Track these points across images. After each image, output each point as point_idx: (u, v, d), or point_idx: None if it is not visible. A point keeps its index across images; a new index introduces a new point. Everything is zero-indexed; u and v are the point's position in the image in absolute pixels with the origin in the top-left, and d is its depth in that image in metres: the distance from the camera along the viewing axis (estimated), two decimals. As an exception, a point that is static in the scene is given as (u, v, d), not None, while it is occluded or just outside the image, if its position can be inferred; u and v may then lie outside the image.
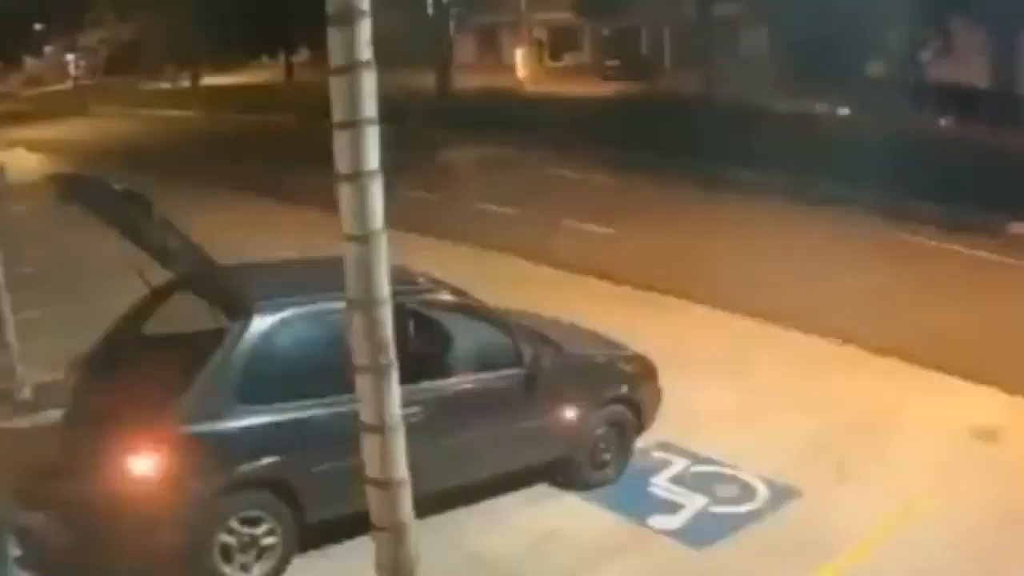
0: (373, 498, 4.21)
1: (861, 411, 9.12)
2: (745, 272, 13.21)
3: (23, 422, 8.59)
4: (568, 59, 49.61)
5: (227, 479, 6.05)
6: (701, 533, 7.03)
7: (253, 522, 6.12)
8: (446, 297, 7.34)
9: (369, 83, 3.88)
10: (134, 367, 6.77)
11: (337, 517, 6.20)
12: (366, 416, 4.13)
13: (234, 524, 6.05)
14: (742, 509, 7.36)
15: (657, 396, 8.07)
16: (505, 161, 24.59)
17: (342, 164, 3.94)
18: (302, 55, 48.37)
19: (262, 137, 30.29)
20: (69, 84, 60.95)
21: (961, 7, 27.23)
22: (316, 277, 6.65)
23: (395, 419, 4.14)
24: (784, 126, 23.07)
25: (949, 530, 7.04)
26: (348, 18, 3.81)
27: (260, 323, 6.27)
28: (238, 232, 15.27)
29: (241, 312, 6.36)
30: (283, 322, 6.37)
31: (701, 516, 7.27)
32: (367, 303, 4.03)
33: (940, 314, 11.86)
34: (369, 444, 4.17)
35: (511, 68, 44.00)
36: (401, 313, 6.13)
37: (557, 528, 7.05)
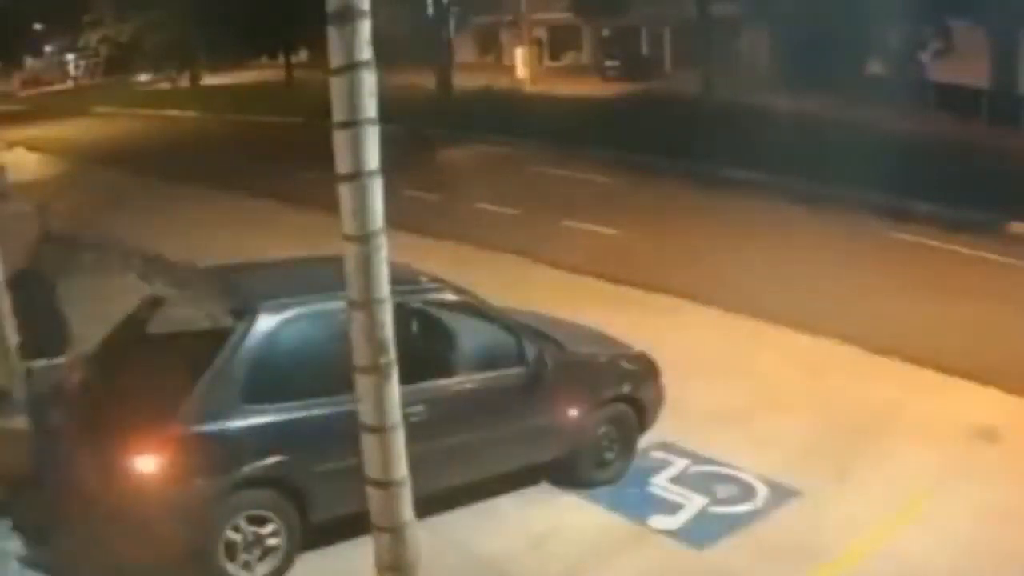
0: (373, 498, 4.21)
1: (861, 411, 9.12)
2: (745, 272, 13.21)
3: (22, 422, 8.60)
4: (568, 59, 49.57)
5: (232, 478, 6.05)
6: (701, 533, 7.03)
7: (260, 521, 6.13)
8: (449, 296, 7.33)
9: (369, 83, 3.87)
10: (138, 367, 6.77)
11: (342, 516, 6.18)
12: (366, 416, 4.12)
13: (241, 523, 6.06)
14: (742, 509, 7.37)
15: (660, 395, 8.07)
16: (505, 161, 24.59)
17: (342, 164, 3.93)
18: (302, 55, 48.29)
19: (262, 137, 30.25)
20: (69, 84, 60.91)
21: (961, 7, 27.22)
22: (320, 276, 6.64)
23: (395, 419, 4.14)
24: (784, 126, 23.07)
25: (949, 530, 7.04)
26: (348, 18, 3.80)
27: (265, 322, 6.27)
28: (238, 232, 15.29)
29: (246, 311, 6.35)
30: (288, 321, 6.37)
31: (701, 516, 7.27)
32: (367, 303, 4.02)
33: (940, 314, 11.86)
34: (369, 444, 4.16)
35: (511, 68, 43.95)
36: (404, 312, 6.16)
37: (557, 528, 7.06)
